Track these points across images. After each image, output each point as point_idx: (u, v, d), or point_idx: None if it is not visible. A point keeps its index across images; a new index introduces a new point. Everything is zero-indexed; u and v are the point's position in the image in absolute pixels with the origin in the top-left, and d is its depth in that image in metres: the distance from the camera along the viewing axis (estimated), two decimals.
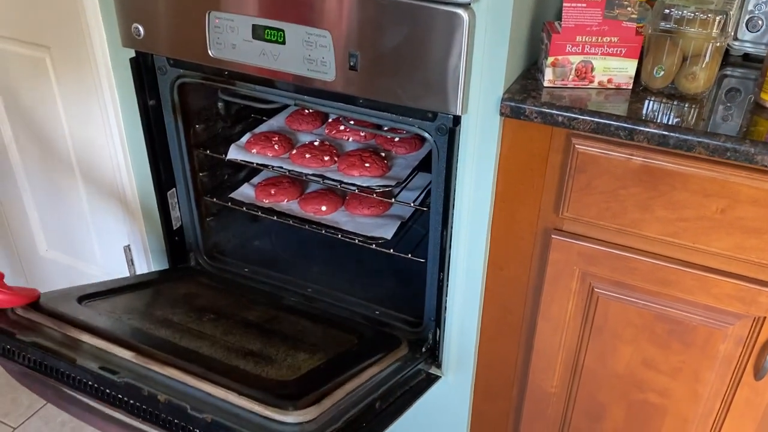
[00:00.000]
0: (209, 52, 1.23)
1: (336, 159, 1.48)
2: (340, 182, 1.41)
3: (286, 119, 1.65)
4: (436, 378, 1.41)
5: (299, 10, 1.12)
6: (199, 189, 1.56)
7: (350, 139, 1.58)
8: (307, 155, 1.47)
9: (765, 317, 1.07)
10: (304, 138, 1.59)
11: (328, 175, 1.44)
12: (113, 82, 1.40)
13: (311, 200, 1.54)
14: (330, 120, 1.64)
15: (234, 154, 1.51)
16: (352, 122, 1.54)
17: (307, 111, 1.64)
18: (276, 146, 1.51)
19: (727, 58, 1.23)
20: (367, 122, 1.57)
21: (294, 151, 1.50)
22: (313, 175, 1.44)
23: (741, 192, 0.99)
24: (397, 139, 1.52)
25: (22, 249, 1.89)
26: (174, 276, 1.48)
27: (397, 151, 1.53)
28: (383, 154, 1.50)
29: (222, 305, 1.37)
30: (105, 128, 1.47)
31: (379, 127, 1.52)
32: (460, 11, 1.00)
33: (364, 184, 1.40)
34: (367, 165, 1.43)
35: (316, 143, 1.52)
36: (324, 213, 1.53)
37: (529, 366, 1.33)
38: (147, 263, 1.65)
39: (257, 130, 1.59)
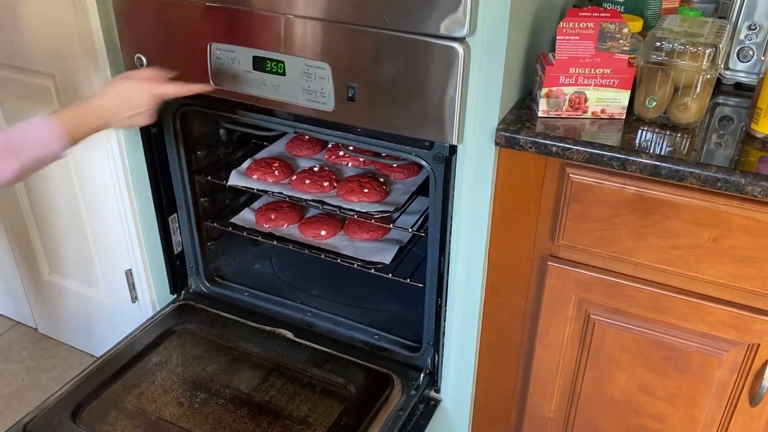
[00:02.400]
0: (211, 82, 1.26)
1: (335, 184, 1.50)
2: (339, 208, 1.43)
3: (286, 145, 1.67)
4: (436, 403, 1.42)
5: (299, 43, 1.14)
6: (200, 214, 1.58)
7: (349, 165, 1.60)
8: (307, 181, 1.49)
9: (759, 344, 1.08)
10: (304, 163, 1.61)
11: (328, 200, 1.45)
12: None
13: (311, 225, 1.56)
14: (330, 146, 1.66)
15: (235, 180, 1.53)
16: (351, 148, 1.56)
17: (307, 137, 1.66)
18: (276, 172, 1.53)
19: (719, 87, 1.25)
20: (365, 149, 1.60)
21: (294, 177, 1.52)
22: (313, 200, 1.46)
23: (732, 221, 1.01)
24: (395, 164, 1.54)
25: (25, 273, 1.91)
26: (164, 332, 1.49)
27: (395, 176, 1.55)
28: (382, 180, 1.52)
29: (213, 371, 1.40)
30: (108, 155, 1.49)
31: (378, 153, 1.54)
32: (455, 45, 1.02)
33: (363, 210, 1.42)
34: (365, 190, 1.45)
35: (315, 169, 1.54)
36: (323, 237, 1.54)
37: (528, 391, 1.34)
38: (148, 287, 1.67)
39: (258, 156, 1.61)
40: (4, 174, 1.01)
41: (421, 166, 1.54)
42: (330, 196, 1.47)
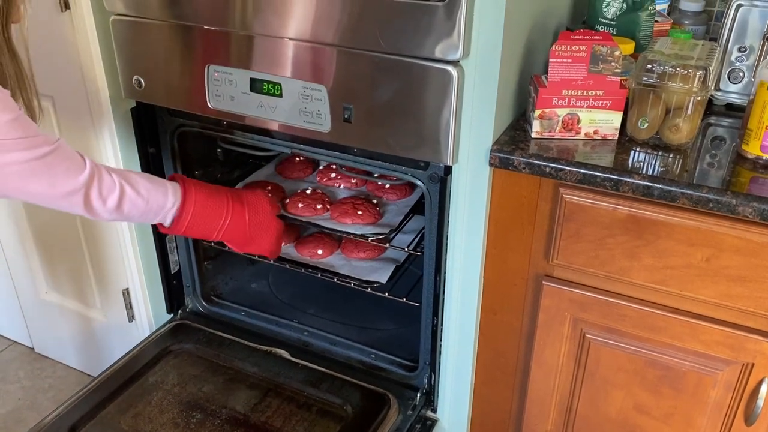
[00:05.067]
0: (208, 103, 1.27)
1: (328, 207, 1.50)
2: (334, 230, 1.44)
3: (277, 167, 1.67)
4: (433, 423, 1.42)
5: (296, 65, 1.16)
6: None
7: (342, 186, 1.60)
8: (300, 204, 1.48)
9: (753, 363, 1.08)
10: (296, 186, 1.60)
11: (321, 223, 1.45)
12: (114, 131, 1.43)
13: (307, 244, 1.56)
14: (321, 167, 1.67)
15: None
16: (343, 168, 1.57)
17: (298, 159, 1.67)
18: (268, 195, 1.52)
19: (711, 108, 1.26)
20: (358, 169, 1.59)
21: (287, 201, 1.51)
22: (307, 223, 1.47)
23: (725, 241, 1.02)
24: (388, 185, 1.54)
25: (22, 292, 1.91)
26: (161, 352, 1.49)
27: (388, 197, 1.55)
28: (375, 201, 1.52)
29: (209, 391, 1.40)
30: None
31: (370, 173, 1.56)
32: (449, 68, 1.04)
33: (358, 232, 1.42)
34: (359, 213, 1.45)
35: (308, 191, 1.54)
36: (320, 256, 1.54)
37: (524, 411, 1.33)
38: (145, 306, 1.67)
39: (249, 179, 1.60)
40: (103, 214, 1.08)
41: (414, 187, 1.56)
42: (323, 218, 1.48)
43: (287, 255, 1.56)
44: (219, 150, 1.60)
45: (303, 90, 1.17)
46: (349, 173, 1.57)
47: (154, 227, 1.53)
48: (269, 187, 1.55)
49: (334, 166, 1.63)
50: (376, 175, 1.54)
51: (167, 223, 1.19)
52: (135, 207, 1.10)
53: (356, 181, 1.59)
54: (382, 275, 1.47)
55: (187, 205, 1.18)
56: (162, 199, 1.15)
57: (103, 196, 1.05)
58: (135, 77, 1.32)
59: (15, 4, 0.99)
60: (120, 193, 1.07)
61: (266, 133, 1.31)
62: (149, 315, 1.68)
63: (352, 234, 1.42)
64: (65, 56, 1.39)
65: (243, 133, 1.34)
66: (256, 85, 1.21)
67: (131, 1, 1.25)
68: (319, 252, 1.55)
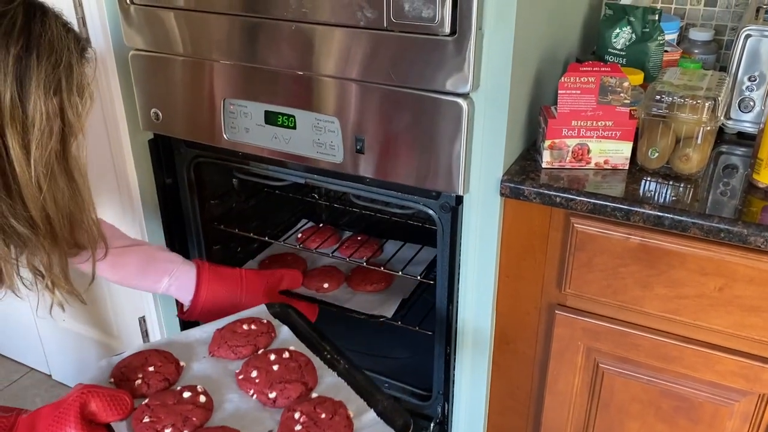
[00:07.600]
0: (224, 135, 1.30)
1: None
2: None
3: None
4: None
5: (309, 98, 1.18)
6: (213, 262, 1.60)
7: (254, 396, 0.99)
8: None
9: None
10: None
11: None
12: (132, 162, 1.46)
13: (314, 277, 1.56)
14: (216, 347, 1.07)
15: None
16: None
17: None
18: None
19: (722, 136, 1.26)
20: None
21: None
22: None
23: (737, 271, 1.01)
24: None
25: (40, 319, 1.93)
26: None
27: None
28: None
29: None
30: (122, 203, 1.53)
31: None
32: (459, 101, 1.05)
33: None
34: None
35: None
36: (326, 290, 1.54)
37: None
38: (161, 334, 1.68)
39: None
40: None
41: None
42: None
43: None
44: (234, 180, 1.62)
45: (316, 122, 1.19)
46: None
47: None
48: None
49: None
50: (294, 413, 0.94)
51: None
52: None
53: (275, 397, 0.97)
54: (388, 309, 1.47)
55: None
56: None
57: None
58: (153, 110, 1.36)
59: (79, 120, 0.86)
60: None
61: (281, 163, 1.33)
62: None
63: None
64: None
65: (258, 163, 1.36)
66: (270, 118, 1.24)
67: (150, 37, 1.29)
68: (326, 285, 1.54)
